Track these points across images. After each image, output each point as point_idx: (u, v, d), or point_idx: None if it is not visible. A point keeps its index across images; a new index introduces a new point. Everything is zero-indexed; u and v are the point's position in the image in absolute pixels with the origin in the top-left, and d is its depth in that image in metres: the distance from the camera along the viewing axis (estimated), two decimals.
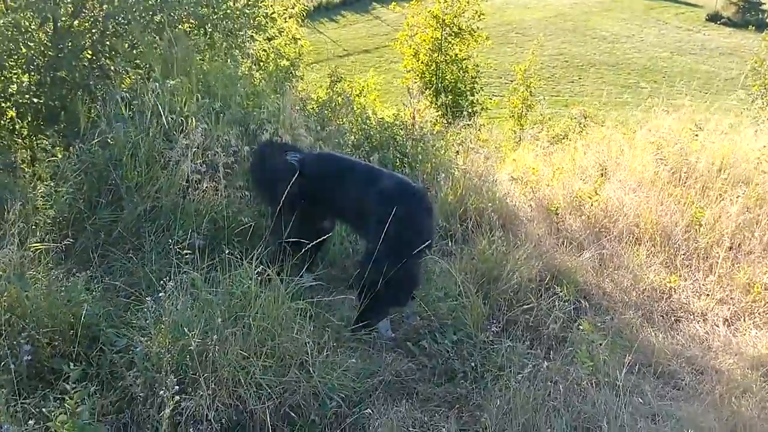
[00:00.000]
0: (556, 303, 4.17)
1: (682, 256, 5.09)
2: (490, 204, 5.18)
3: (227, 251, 3.91)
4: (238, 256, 3.93)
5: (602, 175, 6.29)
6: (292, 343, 3.41)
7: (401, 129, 6.53)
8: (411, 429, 3.29)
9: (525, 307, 4.11)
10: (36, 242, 4.22)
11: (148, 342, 3.35)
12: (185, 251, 4.01)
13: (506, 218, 5.35)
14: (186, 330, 3.28)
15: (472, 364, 3.63)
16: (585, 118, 12.74)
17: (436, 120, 7.37)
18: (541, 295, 4.24)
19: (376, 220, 3.74)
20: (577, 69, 28.21)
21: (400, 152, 6.15)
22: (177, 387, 3.09)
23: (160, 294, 3.46)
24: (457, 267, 4.29)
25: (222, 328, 3.29)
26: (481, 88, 15.38)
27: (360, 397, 3.47)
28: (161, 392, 3.06)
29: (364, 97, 7.67)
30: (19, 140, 6.13)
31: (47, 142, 5.39)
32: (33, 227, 4.59)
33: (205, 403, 3.15)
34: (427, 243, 3.87)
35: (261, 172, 4.79)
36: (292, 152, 4.58)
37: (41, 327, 3.57)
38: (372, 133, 6.42)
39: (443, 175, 5.74)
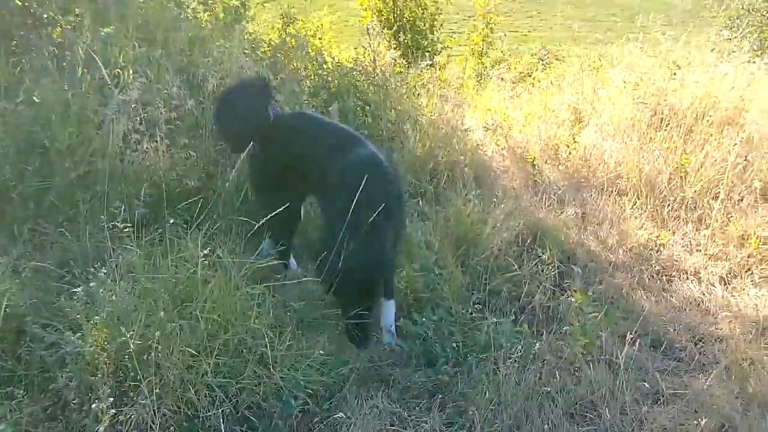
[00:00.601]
0: (540, 268, 3.80)
1: (669, 208, 4.74)
2: (462, 157, 4.74)
3: (171, 221, 3.42)
4: (184, 227, 3.47)
5: (577, 120, 5.88)
6: (248, 335, 2.96)
7: (361, 74, 5.98)
8: (389, 428, 2.90)
9: (508, 275, 3.71)
10: None
11: (80, 339, 2.87)
12: (123, 225, 3.53)
13: (479, 171, 4.92)
14: (123, 325, 2.81)
15: (454, 344, 3.23)
16: (547, 54, 12.34)
17: (395, 61, 6.85)
18: (523, 260, 3.86)
19: (337, 202, 3.20)
20: (535, 3, 27.56)
21: (362, 100, 5.63)
22: (114, 397, 2.66)
23: (92, 284, 2.97)
24: (431, 232, 3.87)
25: (165, 322, 2.82)
26: (441, 25, 14.74)
27: (330, 391, 3.06)
28: (94, 404, 2.63)
29: (320, 38, 7.05)
30: None
31: None
32: None
33: (148, 411, 2.71)
34: (396, 230, 3.39)
35: (230, 122, 4.14)
36: (274, 105, 4.03)
37: None
38: (330, 79, 5.88)
39: (408, 125, 5.26)
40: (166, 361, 2.75)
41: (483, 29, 15.34)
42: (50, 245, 4.00)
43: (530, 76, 9.66)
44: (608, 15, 24.35)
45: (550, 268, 3.79)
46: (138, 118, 4.40)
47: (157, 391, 2.71)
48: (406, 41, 12.65)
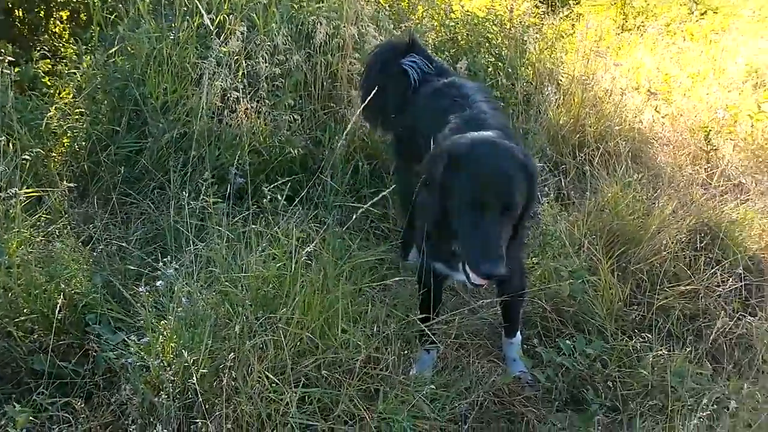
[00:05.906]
0: (721, 278, 2.95)
1: None
2: (617, 127, 3.89)
3: (268, 197, 2.84)
4: (285, 203, 2.89)
5: (759, 83, 4.82)
6: (342, 353, 2.33)
7: (495, 25, 5.16)
8: None
9: (679, 287, 2.89)
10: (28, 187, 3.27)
11: (145, 348, 2.35)
12: (214, 199, 3.01)
13: (635, 145, 4.04)
14: (194, 336, 2.26)
15: (609, 383, 2.48)
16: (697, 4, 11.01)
17: (530, 10, 6.00)
18: (699, 267, 3.01)
19: None
20: None
21: (494, 56, 4.85)
22: (178, 424, 2.14)
23: (159, 283, 2.43)
24: (579, 223, 3.10)
25: (244, 336, 2.24)
26: None
27: None
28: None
29: None
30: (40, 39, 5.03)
31: (73, 49, 4.40)
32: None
33: None
34: None
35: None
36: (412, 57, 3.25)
37: (14, 311, 2.63)
38: (458, 30, 5.10)
39: (550, 86, 4.41)
40: (241, 390, 2.16)
41: None
42: (138, 217, 3.56)
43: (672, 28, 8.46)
44: None
45: (734, 280, 2.94)
46: (240, 73, 3.86)
47: (229, 426, 2.13)
48: None
